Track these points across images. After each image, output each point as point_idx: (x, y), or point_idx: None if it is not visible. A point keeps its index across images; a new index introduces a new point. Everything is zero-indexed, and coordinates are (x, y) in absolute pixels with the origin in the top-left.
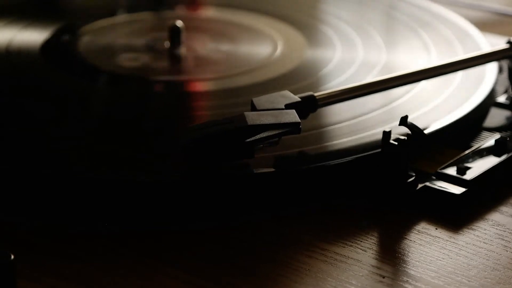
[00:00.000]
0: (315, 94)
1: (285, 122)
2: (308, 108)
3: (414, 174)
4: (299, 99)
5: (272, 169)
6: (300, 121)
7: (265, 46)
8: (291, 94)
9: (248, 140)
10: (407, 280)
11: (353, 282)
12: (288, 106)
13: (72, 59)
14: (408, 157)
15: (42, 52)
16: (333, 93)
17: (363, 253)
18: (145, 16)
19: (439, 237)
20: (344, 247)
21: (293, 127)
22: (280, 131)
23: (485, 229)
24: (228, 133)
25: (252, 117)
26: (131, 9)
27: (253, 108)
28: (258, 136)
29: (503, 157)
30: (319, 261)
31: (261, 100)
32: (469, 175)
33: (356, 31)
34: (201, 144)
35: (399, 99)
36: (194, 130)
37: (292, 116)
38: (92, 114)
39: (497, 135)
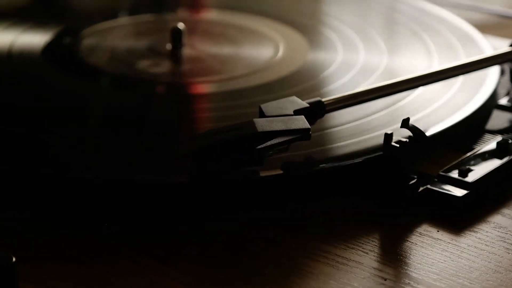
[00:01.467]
0: (323, 100)
1: (295, 128)
2: (316, 113)
3: (416, 176)
4: (308, 105)
5: (274, 172)
6: (310, 127)
7: (267, 48)
8: (299, 100)
9: (259, 147)
10: (409, 283)
11: (355, 285)
12: (297, 112)
13: (74, 61)
14: (410, 159)
15: (44, 54)
16: (341, 98)
17: (365, 256)
18: (147, 19)
19: (441, 240)
20: (346, 249)
21: (303, 133)
22: (290, 138)
23: (487, 231)
24: (237, 140)
25: (262, 124)
26: (132, 12)
27: (262, 115)
28: (269, 143)
29: (505, 159)
30: (321, 263)
31: (269, 106)
32: (471, 177)
33: (358, 33)
34: (210, 151)
35: (400, 101)
36: (203, 137)
37: (302, 122)
38: (94, 116)
39: (499, 137)
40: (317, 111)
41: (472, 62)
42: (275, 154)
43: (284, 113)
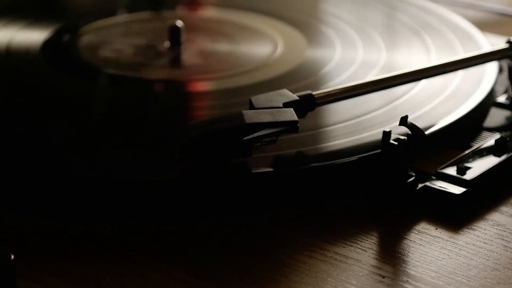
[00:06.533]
0: (314, 93)
1: (283, 120)
2: (306, 106)
3: (414, 174)
4: (297, 98)
5: (272, 169)
6: (297, 119)
7: (265, 46)
8: (290, 93)
9: (245, 138)
10: (407, 280)
11: (353, 282)
12: (286, 105)
13: (72, 58)
14: (408, 157)
15: (42, 51)
16: (332, 92)
17: (363, 253)
18: (145, 16)
19: (439, 237)
20: (344, 247)
21: (290, 126)
22: (277, 130)
23: (485, 229)
24: (226, 131)
25: (250, 115)
26: (131, 9)
27: (251, 107)
28: (255, 134)
29: (503, 157)
30: (319, 261)
31: (259, 99)
32: (469, 175)
33: (356, 31)
34: (199, 142)
35: (399, 99)
36: (192, 129)
37: (290, 114)
38: (92, 114)
39: (497, 135)
40: (308, 104)
41: (468, 58)
42: (264, 146)
43: (274, 106)
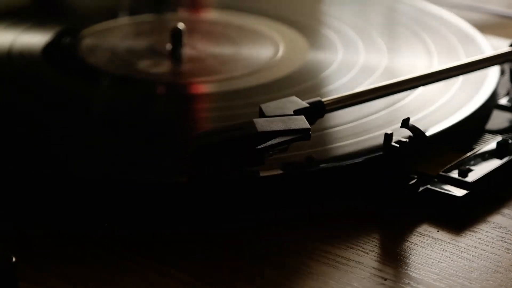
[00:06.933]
0: (323, 100)
1: (295, 128)
2: (316, 113)
3: (416, 176)
4: (307, 105)
5: (274, 172)
6: (310, 127)
7: (267, 48)
8: (299, 100)
9: (259, 147)
10: (409, 283)
11: (355, 285)
12: (297, 112)
13: (74, 61)
14: (410, 159)
15: (44, 54)
16: (341, 98)
17: (365, 256)
18: (147, 19)
19: (441, 240)
20: (346, 249)
21: (303, 133)
22: (290, 138)
23: (487, 232)
24: (237, 140)
25: (262, 124)
26: (133, 12)
27: (262, 115)
28: (269, 143)
29: (505, 159)
30: (321, 263)
31: (269, 106)
32: (471, 177)
33: (358, 33)
34: (209, 151)
35: (401, 101)
36: (202, 138)
37: (302, 122)
38: (93, 116)
39: (499, 137)
40: (317, 111)
41: (472, 62)
42: (276, 154)
43: (284, 113)
